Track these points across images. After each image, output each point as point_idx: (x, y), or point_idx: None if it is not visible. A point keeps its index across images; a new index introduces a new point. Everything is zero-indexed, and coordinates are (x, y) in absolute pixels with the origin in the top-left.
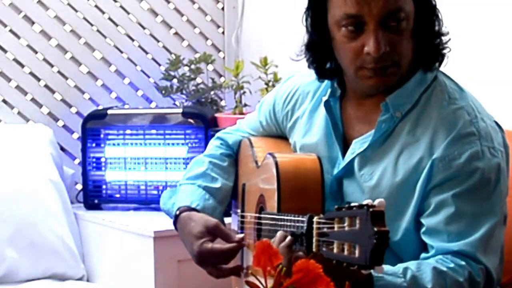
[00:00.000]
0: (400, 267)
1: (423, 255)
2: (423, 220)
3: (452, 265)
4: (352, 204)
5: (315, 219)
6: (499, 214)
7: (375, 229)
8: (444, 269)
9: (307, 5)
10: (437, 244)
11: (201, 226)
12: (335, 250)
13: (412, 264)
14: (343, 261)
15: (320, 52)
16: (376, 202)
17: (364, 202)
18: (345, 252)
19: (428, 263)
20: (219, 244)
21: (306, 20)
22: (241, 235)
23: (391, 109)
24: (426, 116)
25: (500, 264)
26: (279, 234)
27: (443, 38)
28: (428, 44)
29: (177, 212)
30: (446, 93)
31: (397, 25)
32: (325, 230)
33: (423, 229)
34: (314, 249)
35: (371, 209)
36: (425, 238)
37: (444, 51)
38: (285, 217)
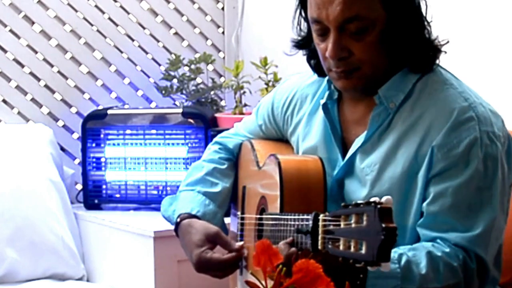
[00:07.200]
0: (396, 252)
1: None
2: (422, 209)
3: (447, 249)
4: (359, 202)
5: (321, 216)
6: (497, 204)
7: (383, 225)
8: (439, 253)
9: (296, 2)
10: (435, 234)
11: (201, 234)
12: (341, 247)
13: (407, 250)
14: (349, 258)
15: (305, 49)
16: (383, 199)
17: (371, 200)
18: (352, 249)
19: (424, 246)
20: (218, 254)
21: (294, 17)
22: (240, 243)
23: (384, 100)
24: (422, 103)
25: (499, 263)
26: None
27: (434, 42)
28: (405, 48)
29: (178, 220)
30: (442, 80)
31: (357, 31)
32: (331, 227)
33: (421, 219)
34: (319, 247)
35: (378, 206)
36: (421, 228)
37: (436, 53)
38: (289, 216)
